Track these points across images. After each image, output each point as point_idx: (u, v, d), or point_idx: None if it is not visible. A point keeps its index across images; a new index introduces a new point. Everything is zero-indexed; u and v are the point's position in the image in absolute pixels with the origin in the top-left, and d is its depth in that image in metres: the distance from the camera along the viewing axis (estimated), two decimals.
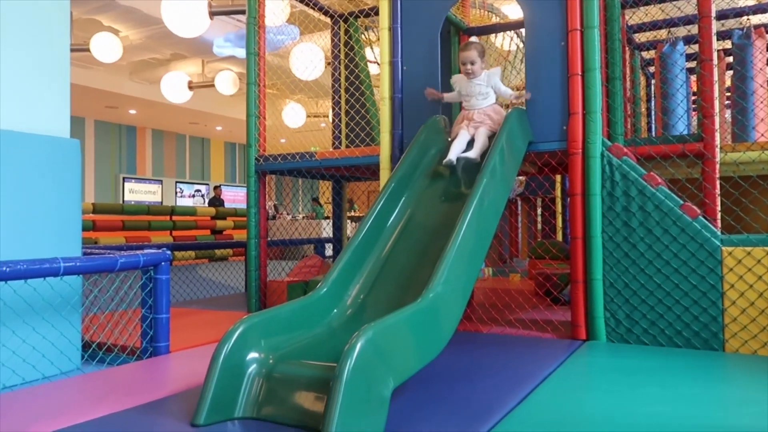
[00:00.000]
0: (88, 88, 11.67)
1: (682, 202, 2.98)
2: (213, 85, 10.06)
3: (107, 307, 3.38)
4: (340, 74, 5.07)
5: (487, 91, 3.26)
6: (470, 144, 3.18)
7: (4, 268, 2.34)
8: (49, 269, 2.48)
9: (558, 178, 6.44)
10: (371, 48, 5.42)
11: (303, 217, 12.37)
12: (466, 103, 3.32)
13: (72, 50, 3.47)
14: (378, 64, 4.21)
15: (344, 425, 1.65)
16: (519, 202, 6.90)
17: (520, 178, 5.60)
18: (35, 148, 2.98)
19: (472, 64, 3.22)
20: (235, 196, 17.17)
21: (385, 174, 3.67)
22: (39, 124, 3.05)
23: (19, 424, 1.86)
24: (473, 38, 4.05)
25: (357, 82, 4.82)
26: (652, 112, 5.96)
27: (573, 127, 3.18)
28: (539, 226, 7.12)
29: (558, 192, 6.67)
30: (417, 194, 3.12)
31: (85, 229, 7.20)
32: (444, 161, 3.07)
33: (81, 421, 1.90)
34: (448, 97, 3.44)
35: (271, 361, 2.02)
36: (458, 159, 3.12)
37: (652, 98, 6.01)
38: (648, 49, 5.72)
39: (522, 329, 3.36)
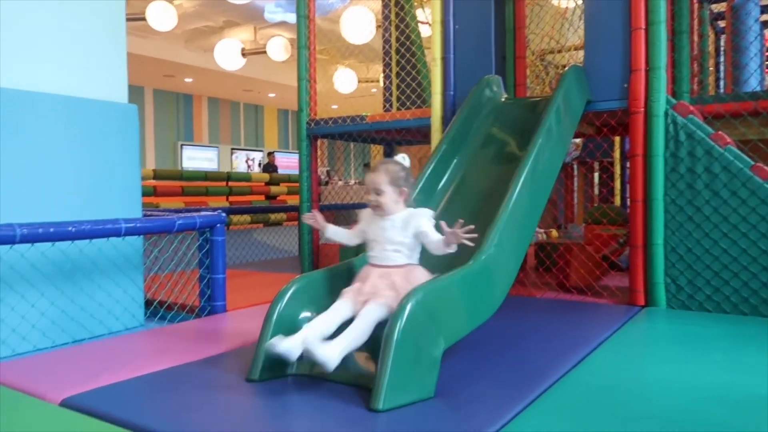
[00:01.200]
0: (146, 57, 11.94)
1: (752, 162, 2.81)
2: (265, 52, 10.10)
3: (167, 268, 3.51)
4: (390, 36, 4.99)
5: (402, 240, 2.03)
6: (345, 325, 1.89)
7: (70, 229, 2.45)
8: (111, 230, 2.58)
9: (617, 139, 6.20)
10: (422, 8, 5.29)
11: (355, 183, 12.43)
12: (371, 252, 2.11)
13: (129, 19, 3.53)
14: (429, 24, 4.11)
15: (395, 384, 1.67)
16: (575, 166, 6.70)
17: (577, 140, 5.42)
18: (95, 113, 3.08)
19: (378, 194, 2.03)
20: (288, 163, 17.40)
21: (436, 136, 3.62)
22: (98, 91, 3.14)
23: (89, 374, 1.96)
24: (398, 157, 2.16)
25: (408, 44, 4.72)
26: (721, 68, 5.61)
27: (635, 85, 3.03)
28: (596, 190, 6.90)
29: (617, 154, 6.42)
30: (469, 156, 3.06)
31: (146, 194, 7.45)
32: (276, 348, 1.78)
33: (145, 373, 1.99)
34: (333, 233, 2.25)
35: None
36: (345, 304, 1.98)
37: (721, 53, 5.65)
38: (718, 1, 5.36)
39: (577, 294, 3.28)
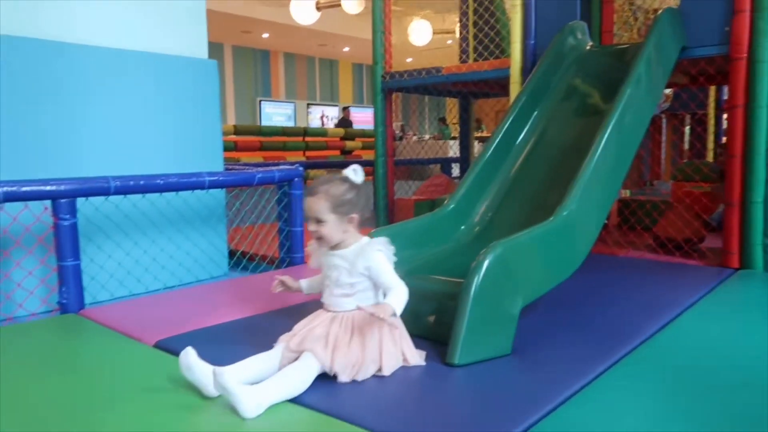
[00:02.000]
0: (225, 14, 12.13)
1: None
2: (339, 5, 10.01)
3: (248, 220, 3.64)
4: None
5: (353, 281, 1.64)
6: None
7: (159, 181, 2.57)
8: (196, 182, 2.69)
9: (712, 89, 5.75)
10: None
11: (429, 138, 12.30)
12: (323, 292, 1.73)
13: None
14: None
15: (471, 340, 1.66)
16: (664, 118, 6.29)
17: (667, 91, 5.07)
18: (178, 69, 3.17)
19: (318, 222, 1.64)
20: (362, 118, 17.43)
21: (515, 88, 3.48)
22: (180, 47, 3.23)
23: (179, 319, 2.08)
24: (348, 171, 1.70)
25: None
26: None
27: (738, 28, 2.77)
28: (687, 144, 6.48)
29: (711, 105, 5.97)
30: (550, 109, 2.93)
31: (227, 149, 7.70)
32: (182, 359, 1.50)
33: (228, 320, 2.09)
34: (309, 287, 1.90)
35: (399, 274, 2.06)
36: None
37: None
38: None
39: (663, 254, 3.13)
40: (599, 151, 2.24)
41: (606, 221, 3.29)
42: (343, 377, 1.52)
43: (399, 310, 1.58)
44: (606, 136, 2.28)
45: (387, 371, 1.58)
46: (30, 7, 2.68)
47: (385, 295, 1.62)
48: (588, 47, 3.16)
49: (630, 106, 2.44)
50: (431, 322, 1.89)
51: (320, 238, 1.66)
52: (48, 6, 2.74)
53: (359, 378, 1.54)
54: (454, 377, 1.59)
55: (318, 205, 1.62)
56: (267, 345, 1.72)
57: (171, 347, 1.80)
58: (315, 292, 1.85)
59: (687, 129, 6.69)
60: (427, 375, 1.60)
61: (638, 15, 4.69)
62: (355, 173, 1.68)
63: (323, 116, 17.62)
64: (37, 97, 2.67)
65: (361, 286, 1.65)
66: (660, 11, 2.93)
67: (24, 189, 2.21)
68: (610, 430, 1.29)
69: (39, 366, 1.71)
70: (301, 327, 1.63)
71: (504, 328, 1.75)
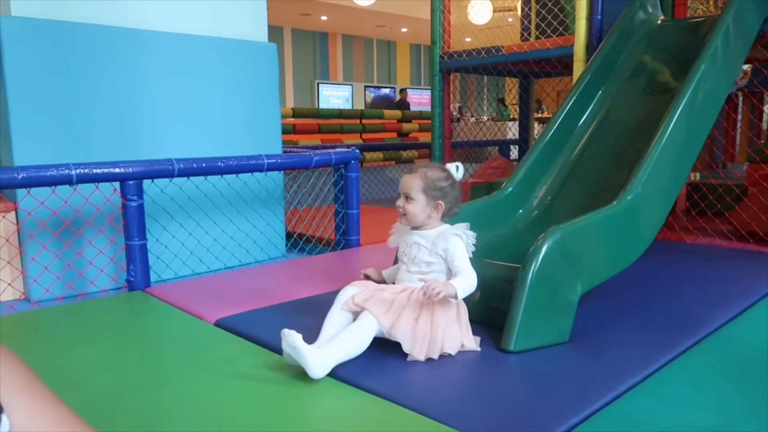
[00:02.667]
0: None
1: None
2: None
3: (305, 202, 3.69)
4: None
5: (430, 260, 1.68)
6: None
7: (220, 164, 2.63)
8: (255, 165, 2.74)
9: None
10: None
11: (488, 119, 12.08)
12: (401, 270, 1.75)
13: None
14: None
15: (528, 326, 1.62)
16: (741, 96, 5.92)
17: (745, 66, 4.75)
18: (238, 53, 3.22)
19: (408, 199, 1.69)
20: (420, 99, 17.29)
21: (579, 67, 3.34)
22: (240, 31, 3.27)
23: (238, 299, 2.13)
24: (451, 165, 1.76)
25: None
26: None
27: None
28: (766, 124, 6.08)
29: None
30: (616, 88, 2.80)
31: (286, 132, 7.81)
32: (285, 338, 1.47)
33: (286, 300, 2.12)
34: (389, 276, 1.85)
35: None
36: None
37: None
38: None
39: (736, 241, 2.96)
40: (668, 131, 2.12)
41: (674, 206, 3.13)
42: (411, 349, 1.54)
43: (462, 294, 1.57)
44: (676, 115, 2.16)
45: (452, 351, 1.59)
46: None
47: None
48: (659, 21, 3.00)
49: (703, 83, 2.30)
50: (487, 308, 1.86)
51: (405, 215, 1.71)
52: None
53: (433, 355, 1.56)
54: (509, 364, 1.56)
55: (413, 182, 1.70)
56: (319, 328, 1.74)
57: (230, 326, 1.85)
58: (394, 242, 1.87)
59: (766, 108, 6.28)
60: (482, 361, 1.58)
61: None
62: (457, 169, 1.75)
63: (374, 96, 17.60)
64: (111, 81, 2.78)
65: (437, 267, 1.67)
66: None
67: (95, 171, 2.31)
68: (672, 424, 1.24)
69: (108, 340, 1.80)
70: (373, 287, 1.67)
71: (562, 315, 1.71)
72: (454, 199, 1.73)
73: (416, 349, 1.55)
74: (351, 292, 1.64)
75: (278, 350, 1.63)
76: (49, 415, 0.59)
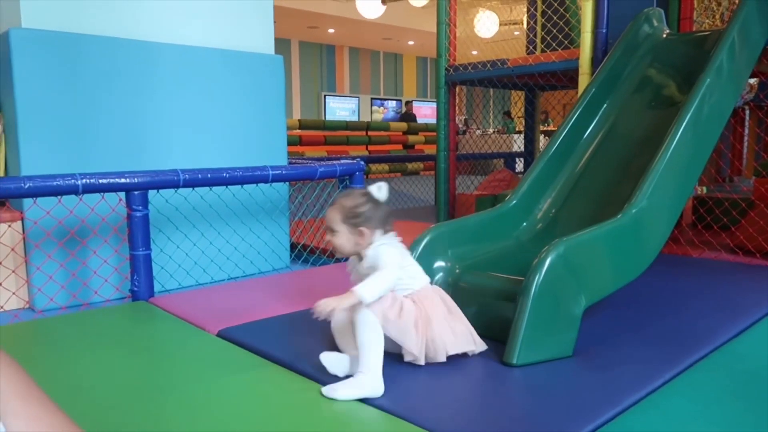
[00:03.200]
0: (291, 9, 12.34)
1: None
2: None
3: (310, 213, 3.69)
4: None
5: None
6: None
7: (225, 174, 2.64)
8: (260, 176, 2.74)
9: None
10: None
11: (493, 132, 12.10)
12: None
13: None
14: None
15: (531, 339, 1.61)
16: (747, 111, 5.90)
17: (752, 80, 4.75)
18: (245, 65, 3.24)
19: (332, 231, 1.66)
20: (426, 111, 17.35)
21: (584, 80, 3.35)
22: (247, 43, 3.30)
23: (241, 309, 2.13)
24: (372, 188, 1.68)
25: None
26: None
27: None
28: None
29: None
30: (621, 101, 2.80)
31: (292, 143, 7.84)
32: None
33: (288, 312, 2.12)
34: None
35: (457, 270, 2.03)
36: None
37: None
38: None
39: (742, 255, 2.94)
40: (674, 144, 2.12)
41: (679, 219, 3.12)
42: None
43: (370, 294, 1.49)
44: (682, 128, 2.16)
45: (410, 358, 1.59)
46: (116, 8, 2.81)
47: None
48: (664, 35, 3.00)
49: (709, 97, 2.30)
50: (490, 320, 1.85)
51: (336, 249, 1.67)
52: (132, 6, 2.87)
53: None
54: (512, 378, 1.55)
55: (332, 214, 1.66)
56: (327, 337, 1.74)
57: (232, 336, 1.85)
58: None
59: None
60: (485, 374, 1.57)
61: (721, 0, 4.41)
62: (378, 189, 1.67)
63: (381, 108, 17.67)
64: (119, 92, 2.80)
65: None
66: None
67: (101, 181, 2.32)
68: None
69: (111, 350, 1.79)
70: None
71: (566, 329, 1.69)
72: (380, 221, 1.65)
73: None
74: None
75: (279, 361, 1.63)
76: (44, 421, 0.59)
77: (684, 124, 2.17)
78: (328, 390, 1.43)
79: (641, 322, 1.96)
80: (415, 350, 1.57)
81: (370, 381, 1.43)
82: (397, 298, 1.59)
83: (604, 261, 1.85)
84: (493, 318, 1.84)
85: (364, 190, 1.69)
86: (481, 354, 1.67)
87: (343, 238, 1.64)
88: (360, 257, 1.67)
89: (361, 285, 1.51)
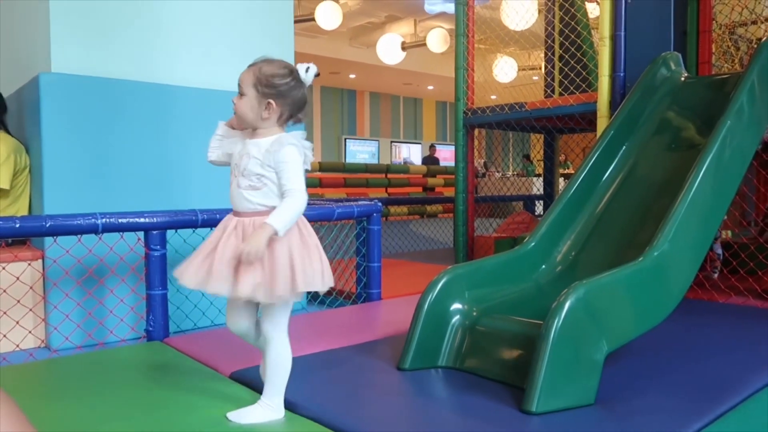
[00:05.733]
0: (314, 56, 12.68)
1: None
2: (425, 44, 10.20)
3: (327, 255, 3.67)
4: (554, 17, 4.73)
5: (262, 172, 1.47)
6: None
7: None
8: None
9: None
10: None
11: (513, 175, 12.11)
12: (232, 185, 1.55)
13: (298, 21, 3.77)
14: (597, 2, 3.82)
15: (551, 386, 1.56)
16: None
17: None
18: None
19: (240, 95, 1.51)
20: (446, 155, 17.48)
21: (602, 122, 3.35)
22: None
23: (255, 351, 2.10)
24: (300, 66, 1.55)
25: (573, 23, 4.44)
26: None
27: None
28: None
29: None
30: (640, 143, 2.78)
31: (312, 185, 7.90)
32: None
33: (303, 354, 2.08)
34: (213, 149, 1.66)
35: (474, 313, 1.99)
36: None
37: None
38: None
39: None
40: (695, 185, 2.09)
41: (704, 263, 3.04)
42: (258, 297, 1.41)
43: (284, 226, 1.39)
44: (703, 169, 2.13)
45: (301, 288, 1.44)
46: (139, 53, 2.91)
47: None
48: (683, 78, 3.00)
49: (730, 139, 2.27)
50: (508, 365, 1.80)
51: (236, 114, 1.52)
52: (154, 51, 2.96)
53: (274, 300, 1.43)
54: (532, 426, 1.49)
55: (245, 75, 1.50)
56: (342, 378, 1.70)
57: (245, 378, 1.82)
58: (217, 161, 1.65)
59: None
60: (503, 422, 1.51)
61: (740, 44, 4.42)
62: (305, 70, 1.53)
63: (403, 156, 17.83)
64: (140, 133, 2.86)
65: (269, 180, 1.46)
66: (765, 39, 2.74)
67: (121, 220, 2.34)
68: None
69: (123, 390, 1.77)
70: (212, 241, 1.49)
71: (587, 375, 1.63)
72: (294, 104, 1.50)
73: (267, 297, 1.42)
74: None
75: (290, 404, 1.59)
76: None
77: (705, 165, 2.14)
78: (235, 416, 1.50)
79: (666, 369, 1.89)
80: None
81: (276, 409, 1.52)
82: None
83: (625, 305, 1.80)
84: (511, 363, 1.80)
85: (290, 64, 1.54)
86: (497, 399, 1.62)
87: (247, 105, 1.48)
88: (251, 134, 1.51)
89: (274, 216, 1.39)
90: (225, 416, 1.53)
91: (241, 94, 1.50)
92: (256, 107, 1.48)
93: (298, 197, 1.43)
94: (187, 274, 1.46)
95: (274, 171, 1.46)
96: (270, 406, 1.52)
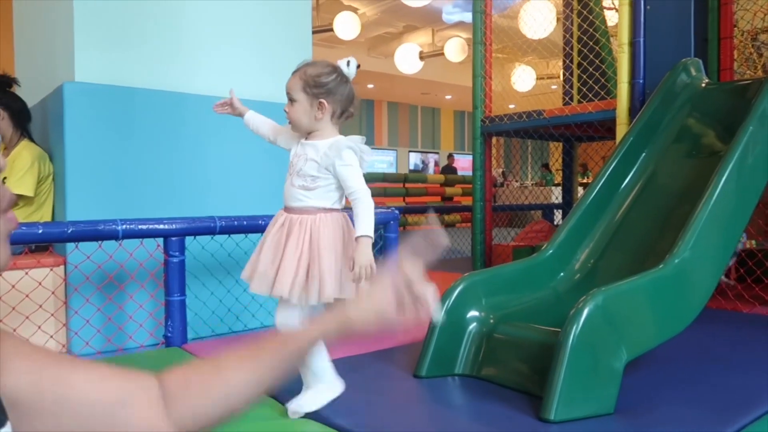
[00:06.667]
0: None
1: None
2: (442, 53, 10.22)
3: None
4: (572, 25, 4.71)
5: (318, 174, 1.54)
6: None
7: (261, 222, 2.67)
8: None
9: None
10: None
11: (532, 184, 12.04)
12: (286, 182, 1.67)
13: (317, 31, 3.80)
14: (615, 9, 3.79)
15: (569, 394, 1.54)
16: None
17: None
18: (282, 116, 3.32)
19: (291, 101, 1.57)
20: (464, 164, 17.44)
21: (621, 130, 3.31)
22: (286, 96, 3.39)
23: None
24: (341, 61, 1.60)
25: (591, 31, 4.41)
26: None
27: None
28: None
29: None
30: (660, 150, 2.75)
31: None
32: None
33: None
34: (252, 117, 1.83)
35: (492, 320, 1.98)
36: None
37: None
38: None
39: None
40: (717, 192, 2.05)
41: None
42: (293, 299, 1.48)
43: (371, 231, 1.48)
44: (725, 176, 2.10)
45: (328, 293, 1.48)
46: (156, 63, 2.95)
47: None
48: (703, 84, 2.96)
49: (752, 146, 2.23)
50: (526, 373, 1.78)
51: (289, 120, 1.58)
52: (175, 60, 3.01)
53: (305, 303, 1.49)
54: None
55: (292, 81, 1.56)
56: (359, 385, 1.70)
57: None
58: (253, 128, 1.80)
59: None
60: (520, 430, 1.49)
61: (763, 51, 4.36)
62: (347, 65, 1.57)
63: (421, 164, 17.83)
64: (161, 141, 2.90)
65: (323, 183, 1.54)
66: None
67: (140, 227, 2.37)
68: None
69: None
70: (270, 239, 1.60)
71: (606, 384, 1.61)
72: (344, 99, 1.55)
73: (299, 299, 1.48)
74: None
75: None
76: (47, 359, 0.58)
77: (727, 172, 2.11)
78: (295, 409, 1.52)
79: (688, 379, 1.85)
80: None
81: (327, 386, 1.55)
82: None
83: (645, 312, 1.77)
84: (529, 371, 1.78)
85: (332, 63, 1.58)
86: (515, 407, 1.60)
87: (300, 110, 1.54)
88: (306, 137, 1.58)
89: (360, 227, 1.47)
90: (242, 425, 1.53)
91: (291, 101, 1.56)
92: (309, 109, 1.54)
93: (366, 197, 1.52)
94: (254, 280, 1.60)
95: (331, 174, 1.52)
96: (321, 390, 1.56)
